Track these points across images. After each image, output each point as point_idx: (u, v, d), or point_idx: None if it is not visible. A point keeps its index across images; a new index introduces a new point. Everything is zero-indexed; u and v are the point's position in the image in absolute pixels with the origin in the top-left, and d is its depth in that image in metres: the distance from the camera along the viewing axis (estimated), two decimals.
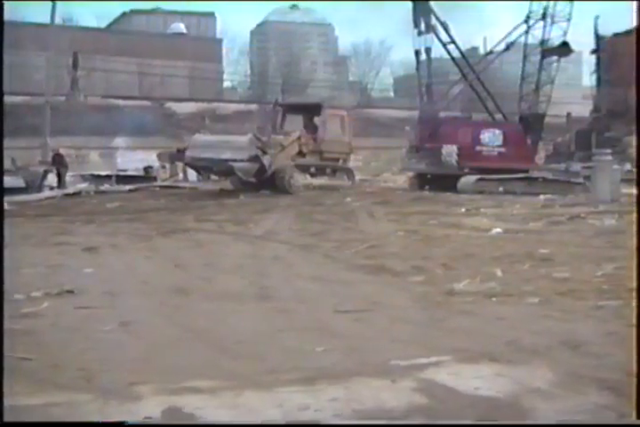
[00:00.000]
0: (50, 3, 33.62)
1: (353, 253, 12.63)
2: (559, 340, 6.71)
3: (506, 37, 30.57)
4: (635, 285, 6.48)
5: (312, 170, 28.68)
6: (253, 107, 55.55)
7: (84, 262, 11.58)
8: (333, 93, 72.44)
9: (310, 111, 30.03)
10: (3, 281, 6.41)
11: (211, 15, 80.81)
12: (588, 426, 5.22)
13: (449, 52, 30.44)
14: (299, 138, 27.65)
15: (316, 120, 29.25)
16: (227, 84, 74.50)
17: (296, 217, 18.89)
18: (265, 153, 25.36)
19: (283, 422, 4.91)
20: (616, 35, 45.71)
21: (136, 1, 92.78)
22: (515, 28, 30.37)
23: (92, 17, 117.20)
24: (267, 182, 26.33)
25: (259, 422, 4.91)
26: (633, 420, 4.89)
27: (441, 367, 6.00)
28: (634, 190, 21.88)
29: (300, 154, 27.69)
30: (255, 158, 25.09)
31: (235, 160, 24.96)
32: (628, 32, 41.16)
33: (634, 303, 7.18)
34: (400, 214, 19.04)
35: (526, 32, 30.12)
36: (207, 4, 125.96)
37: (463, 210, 20.29)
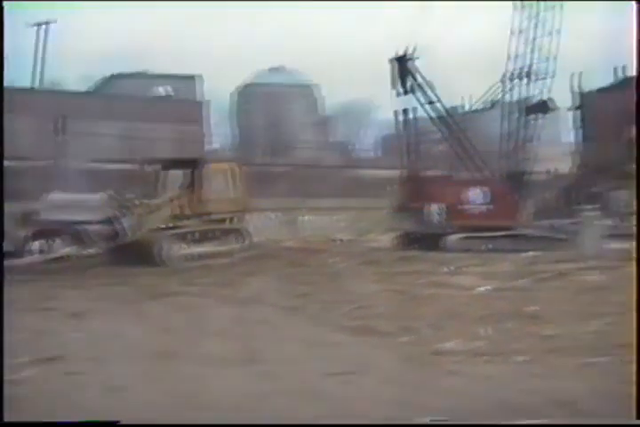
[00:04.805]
0: None
1: (339, 314, 12.59)
2: (548, 399, 6.71)
3: (482, 97, 30.72)
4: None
5: (196, 236, 23.78)
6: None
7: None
8: (317, 154, 72.79)
9: (189, 168, 25.29)
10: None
11: (190, 78, 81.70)
12: (589, 426, 5.22)
13: (428, 113, 30.31)
14: (171, 200, 23.59)
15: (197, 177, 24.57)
16: (213, 146, 74.53)
17: (281, 279, 18.67)
18: (123, 215, 21.64)
19: None
20: (600, 90, 45.73)
21: None
22: (491, 88, 30.46)
23: None
24: (127, 253, 21.76)
25: None
26: (633, 420, 4.90)
27: None
28: (619, 245, 22.08)
29: (181, 216, 23.62)
30: (107, 221, 21.37)
31: (84, 222, 21.11)
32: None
33: (623, 359, 7.22)
34: (386, 274, 18.98)
35: (506, 90, 30.22)
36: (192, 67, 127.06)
37: (449, 269, 20.23)
